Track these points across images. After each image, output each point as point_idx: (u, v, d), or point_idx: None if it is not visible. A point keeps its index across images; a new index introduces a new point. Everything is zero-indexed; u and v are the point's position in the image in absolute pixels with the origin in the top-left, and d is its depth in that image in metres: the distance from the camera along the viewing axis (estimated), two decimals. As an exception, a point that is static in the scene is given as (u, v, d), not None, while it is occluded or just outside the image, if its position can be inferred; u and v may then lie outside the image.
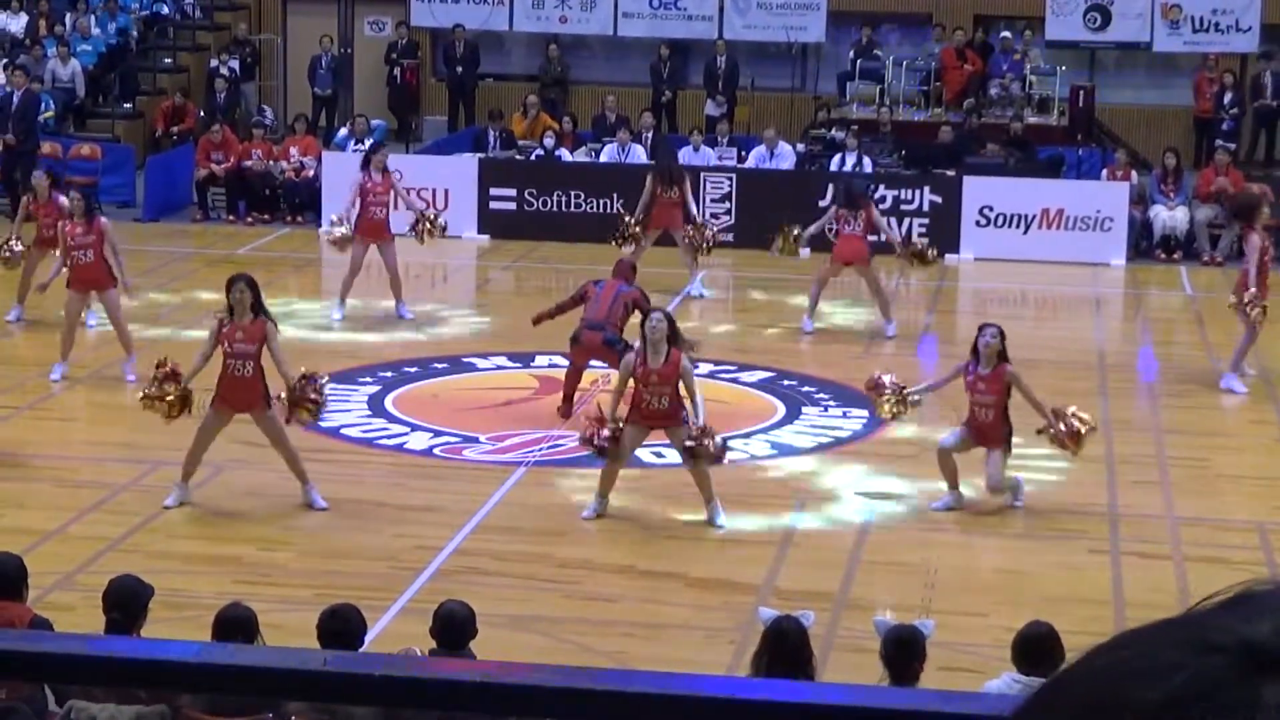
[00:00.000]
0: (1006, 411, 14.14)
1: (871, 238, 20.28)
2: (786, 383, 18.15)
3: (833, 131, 27.52)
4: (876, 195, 25.05)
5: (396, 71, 30.83)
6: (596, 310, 16.51)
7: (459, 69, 30.61)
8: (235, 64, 30.40)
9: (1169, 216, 25.66)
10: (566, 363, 16.95)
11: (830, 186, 24.32)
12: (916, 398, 14.83)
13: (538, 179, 26.18)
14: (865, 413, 16.87)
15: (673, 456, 15.30)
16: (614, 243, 21.49)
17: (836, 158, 26.44)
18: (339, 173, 26.32)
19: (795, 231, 20.70)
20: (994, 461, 14.10)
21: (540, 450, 15.61)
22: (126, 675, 2.26)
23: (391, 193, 20.57)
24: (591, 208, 25.58)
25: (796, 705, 1.94)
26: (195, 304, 20.92)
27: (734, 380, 18.21)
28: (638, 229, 21.63)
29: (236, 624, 8.56)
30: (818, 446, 16.16)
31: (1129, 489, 15.00)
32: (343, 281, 20.40)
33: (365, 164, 20.73)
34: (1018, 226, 25.08)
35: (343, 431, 16.09)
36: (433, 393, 17.63)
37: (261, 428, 14.03)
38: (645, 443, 14.41)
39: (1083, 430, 14.09)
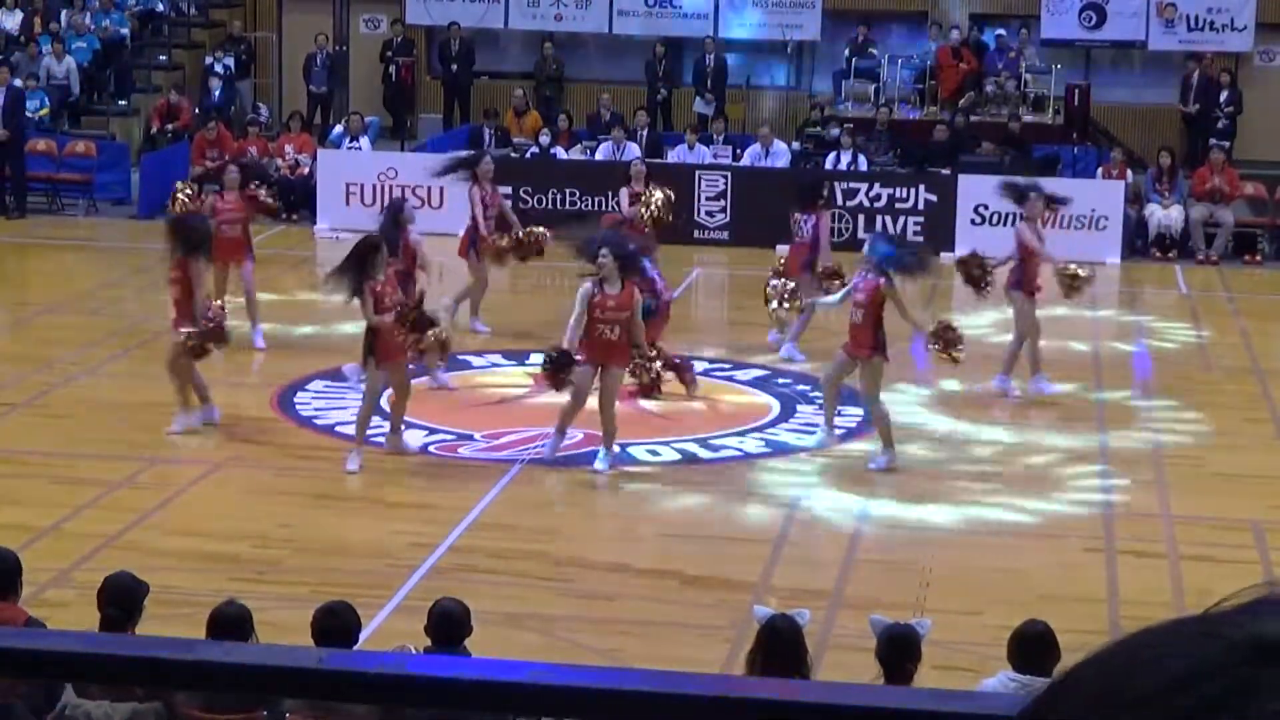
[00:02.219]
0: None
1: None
2: (781, 381, 18.14)
3: (828, 130, 27.53)
4: (873, 193, 25.07)
5: (392, 69, 30.81)
6: None
7: (454, 66, 30.60)
8: (230, 61, 30.38)
9: (1164, 215, 25.68)
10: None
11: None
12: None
13: (533, 177, 26.18)
14: (859, 410, 16.87)
15: (667, 454, 15.34)
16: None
17: (831, 156, 26.48)
18: (334, 170, 26.36)
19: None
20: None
21: (535, 448, 15.60)
22: (122, 672, 2.26)
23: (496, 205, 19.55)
24: (586, 205, 25.57)
25: (792, 704, 1.94)
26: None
27: (729, 378, 18.21)
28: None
29: (231, 621, 8.55)
30: (812, 444, 16.14)
31: (1124, 487, 15.00)
32: (471, 301, 19.45)
33: (470, 176, 19.28)
34: (1013, 225, 25.01)
35: (338, 429, 16.09)
36: (427, 390, 17.61)
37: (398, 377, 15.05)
38: (635, 439, 14.40)
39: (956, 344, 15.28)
